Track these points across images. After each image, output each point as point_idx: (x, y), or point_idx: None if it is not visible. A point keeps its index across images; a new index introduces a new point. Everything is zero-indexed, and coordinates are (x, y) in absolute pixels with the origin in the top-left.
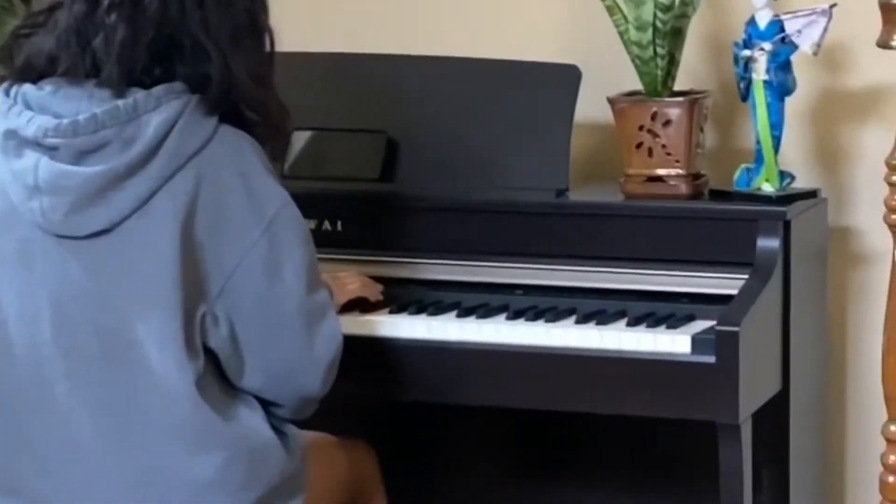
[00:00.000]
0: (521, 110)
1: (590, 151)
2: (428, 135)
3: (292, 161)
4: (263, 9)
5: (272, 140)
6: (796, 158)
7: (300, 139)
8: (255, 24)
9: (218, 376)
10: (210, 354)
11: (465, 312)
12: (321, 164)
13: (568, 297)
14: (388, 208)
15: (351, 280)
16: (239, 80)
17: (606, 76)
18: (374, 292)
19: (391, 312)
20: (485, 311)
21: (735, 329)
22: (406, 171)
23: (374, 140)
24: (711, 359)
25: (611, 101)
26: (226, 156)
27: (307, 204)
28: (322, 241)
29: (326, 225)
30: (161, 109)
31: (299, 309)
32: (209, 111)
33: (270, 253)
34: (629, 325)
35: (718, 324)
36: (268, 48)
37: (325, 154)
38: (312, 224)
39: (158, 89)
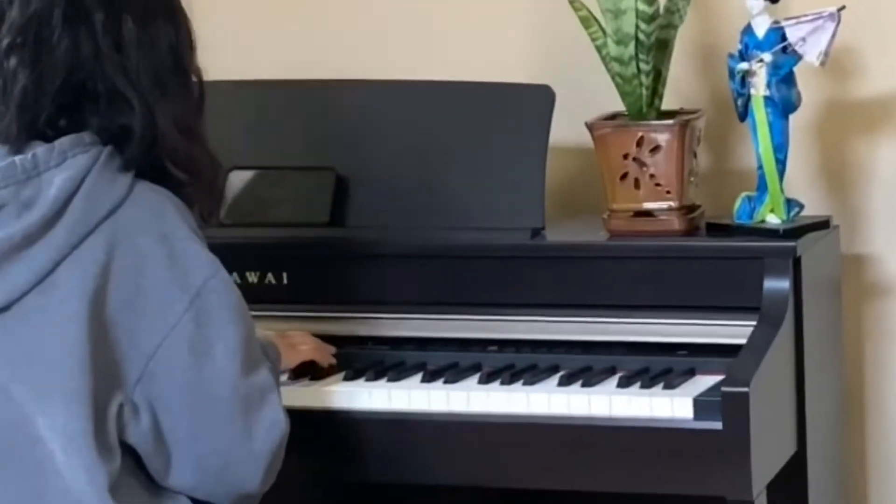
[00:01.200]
0: (487, 139)
1: (567, 180)
2: (382, 170)
3: (230, 204)
4: (191, 46)
5: (201, 200)
6: (802, 180)
7: (237, 180)
8: (182, 64)
9: (139, 476)
10: (129, 451)
11: (431, 376)
12: (263, 207)
13: (548, 352)
14: (340, 256)
15: (301, 341)
16: (164, 132)
17: (583, 97)
18: (326, 356)
19: (346, 379)
20: (454, 374)
21: (744, 390)
22: (358, 212)
23: (322, 178)
24: (718, 424)
25: (590, 126)
26: (143, 218)
27: (248, 254)
28: (265, 295)
29: (270, 277)
30: (66, 165)
31: (234, 394)
32: (123, 166)
33: (198, 330)
34: (620, 385)
35: (725, 383)
36: (196, 93)
37: (267, 196)
38: (255, 276)
39: (63, 142)
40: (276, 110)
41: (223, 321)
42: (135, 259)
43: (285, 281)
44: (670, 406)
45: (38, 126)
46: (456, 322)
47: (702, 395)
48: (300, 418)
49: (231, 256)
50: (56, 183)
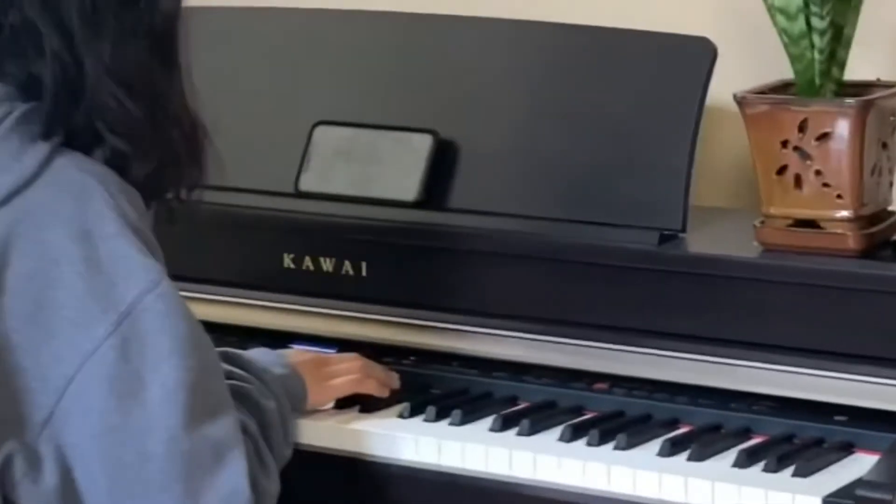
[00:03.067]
0: (624, 103)
1: (722, 165)
2: (493, 138)
3: (310, 168)
4: None
5: (164, 183)
6: None
7: (323, 138)
8: None
9: None
10: None
11: (508, 421)
12: (346, 176)
13: (669, 398)
14: (427, 249)
15: (345, 369)
16: (93, 83)
17: (742, 57)
18: (373, 388)
19: (402, 416)
20: (544, 419)
21: (886, 497)
22: (458, 191)
23: (417, 144)
24: None
25: (739, 100)
26: (57, 206)
27: (324, 235)
28: (340, 288)
29: (347, 267)
30: None
31: (171, 451)
32: (44, 132)
33: (124, 364)
34: (738, 463)
35: (861, 484)
36: (157, 25)
37: (353, 161)
38: (329, 264)
39: None
40: (372, 50)
41: (161, 352)
42: (40, 261)
43: (363, 273)
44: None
45: None
46: (561, 346)
47: (833, 495)
48: (319, 464)
49: (306, 236)
50: None
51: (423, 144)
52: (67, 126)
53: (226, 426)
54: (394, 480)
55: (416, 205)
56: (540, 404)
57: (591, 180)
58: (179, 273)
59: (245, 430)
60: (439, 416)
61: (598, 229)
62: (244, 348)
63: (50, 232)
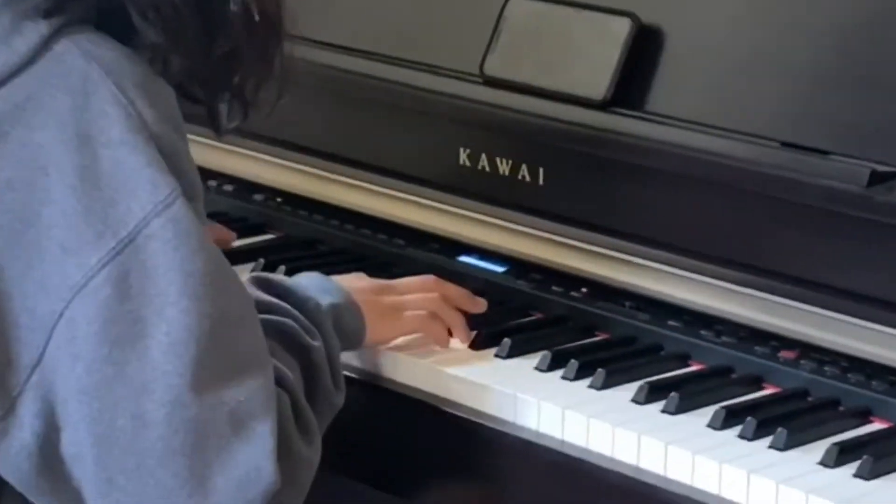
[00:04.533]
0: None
1: None
2: (705, 31)
3: (499, 49)
4: None
5: (218, 81)
6: None
7: (516, 13)
8: None
9: None
10: None
11: (655, 391)
12: (532, 63)
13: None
14: (610, 160)
15: (413, 300)
16: None
17: None
18: (453, 324)
19: (539, 367)
20: (705, 392)
21: None
22: (658, 93)
23: (611, 29)
24: None
25: None
26: (51, 100)
27: (503, 132)
28: (514, 195)
29: (524, 172)
30: None
31: (173, 416)
32: (47, 8)
33: (121, 301)
34: None
35: None
36: None
37: (540, 47)
38: (506, 166)
39: None
40: None
41: (168, 291)
42: (26, 169)
43: (541, 181)
44: None
45: None
46: (748, 298)
47: None
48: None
49: (485, 131)
50: None
51: (619, 30)
52: (84, 3)
53: (251, 390)
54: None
55: (603, 105)
56: (713, 369)
57: (811, 96)
58: (341, 154)
59: (280, 383)
60: (580, 374)
61: (804, 156)
62: (401, 253)
63: (40, 133)
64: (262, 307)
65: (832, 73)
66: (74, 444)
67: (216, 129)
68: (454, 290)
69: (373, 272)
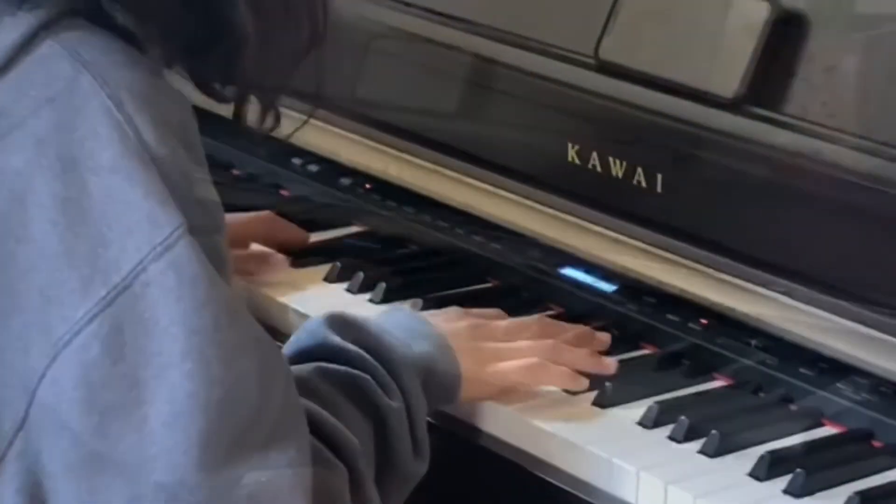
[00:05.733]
0: None
1: None
2: (864, 16)
3: (605, 35)
4: None
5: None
6: None
7: None
8: None
9: None
10: None
11: (778, 465)
12: (644, 47)
13: None
14: (743, 167)
15: (520, 348)
16: None
17: None
18: (563, 375)
19: (643, 424)
20: (837, 466)
21: None
22: (799, 92)
23: (750, 16)
24: None
25: None
26: (30, 114)
27: (617, 129)
28: (629, 201)
29: (640, 177)
30: None
31: (177, 500)
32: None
33: (113, 363)
34: None
35: None
36: None
37: (654, 29)
38: (620, 168)
39: None
40: None
41: (170, 350)
42: (1, 199)
43: (658, 188)
44: None
45: None
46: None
47: None
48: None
49: (598, 125)
50: None
51: (757, 16)
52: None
53: (277, 467)
54: None
55: (735, 104)
56: (860, 432)
57: None
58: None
59: (339, 452)
60: (690, 434)
61: None
62: (497, 260)
63: (16, 156)
64: (335, 354)
65: None
66: None
67: (245, 132)
68: (570, 335)
69: (463, 280)
